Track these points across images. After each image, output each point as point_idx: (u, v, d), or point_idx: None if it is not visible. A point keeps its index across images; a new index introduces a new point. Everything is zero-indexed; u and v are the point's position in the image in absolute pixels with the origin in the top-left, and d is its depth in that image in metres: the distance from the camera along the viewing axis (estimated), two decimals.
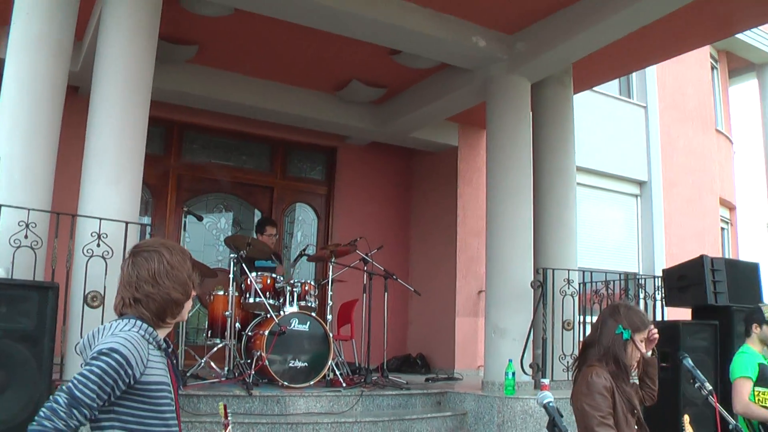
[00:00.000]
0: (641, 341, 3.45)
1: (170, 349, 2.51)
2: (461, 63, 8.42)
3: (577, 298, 7.68)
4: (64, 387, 2.15)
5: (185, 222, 7.82)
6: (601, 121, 12.96)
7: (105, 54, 6.18)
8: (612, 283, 8.04)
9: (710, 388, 3.88)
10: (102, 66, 6.17)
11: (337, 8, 7.11)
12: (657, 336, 3.52)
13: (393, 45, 8.17)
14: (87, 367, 2.19)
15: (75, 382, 2.16)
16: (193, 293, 2.55)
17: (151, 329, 2.40)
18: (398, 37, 7.79)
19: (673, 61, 9.51)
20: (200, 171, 10.49)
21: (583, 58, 7.94)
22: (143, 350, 2.30)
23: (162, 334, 2.47)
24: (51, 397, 2.14)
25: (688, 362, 4.00)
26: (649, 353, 3.57)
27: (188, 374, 6.88)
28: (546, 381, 6.79)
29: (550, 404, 2.91)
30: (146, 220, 10.00)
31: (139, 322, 2.37)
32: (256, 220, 10.49)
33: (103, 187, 5.92)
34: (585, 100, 11.10)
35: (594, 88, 10.37)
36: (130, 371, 2.23)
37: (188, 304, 2.54)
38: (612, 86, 13.03)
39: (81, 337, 5.29)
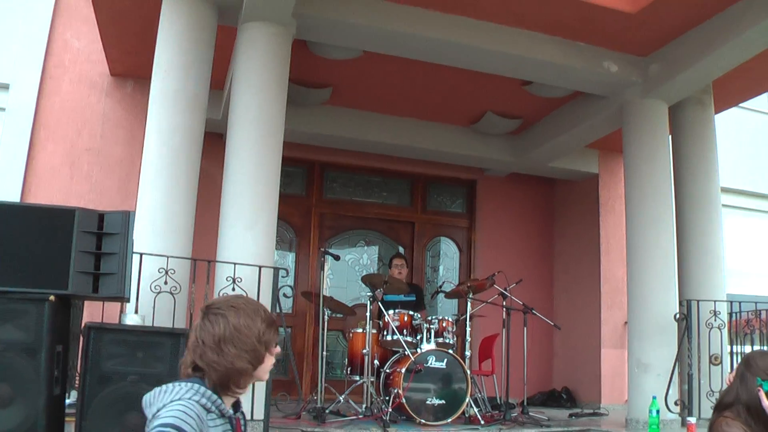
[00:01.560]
0: None
1: (237, 414, 2.35)
2: (594, 90, 8.25)
3: (725, 331, 7.27)
4: None
5: (322, 261, 7.98)
6: (749, 138, 12.31)
7: (238, 103, 6.46)
8: (764, 312, 7.54)
9: None
10: (235, 114, 6.46)
11: (464, 44, 7.19)
12: None
13: (523, 76, 8.12)
14: None
15: None
16: (272, 353, 2.33)
17: (214, 397, 2.21)
18: (528, 68, 7.74)
19: None
20: (341, 208, 10.74)
21: (724, 75, 7.55)
22: (202, 422, 2.13)
23: (229, 401, 2.30)
24: None
25: None
26: None
27: (327, 411, 6.98)
28: (692, 420, 6.44)
29: None
30: (291, 257, 10.33)
31: (202, 389, 2.19)
32: None
33: (239, 232, 6.17)
34: (730, 116, 10.54)
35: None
36: None
37: (267, 365, 2.33)
38: (761, 100, 12.29)
39: None
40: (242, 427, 2.38)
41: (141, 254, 5.37)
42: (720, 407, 3.29)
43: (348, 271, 10.63)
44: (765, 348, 7.15)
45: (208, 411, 2.19)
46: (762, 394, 3.12)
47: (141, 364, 4.44)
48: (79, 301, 4.93)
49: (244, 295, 2.65)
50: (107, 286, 4.27)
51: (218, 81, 7.54)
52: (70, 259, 4.19)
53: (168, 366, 4.45)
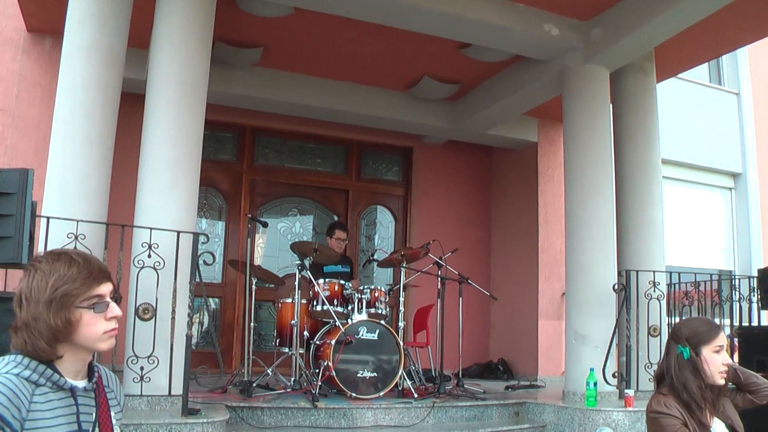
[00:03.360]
0: (714, 351, 2.96)
1: (86, 386, 1.94)
2: (534, 54, 7.98)
3: (664, 302, 7.15)
4: None
5: (250, 228, 7.63)
6: (690, 110, 12.28)
7: (157, 59, 6.02)
8: (703, 283, 7.44)
9: None
10: (155, 71, 6.02)
11: (400, 1, 6.80)
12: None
13: (461, 38, 7.79)
14: None
15: None
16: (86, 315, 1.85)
17: (42, 367, 1.83)
18: (466, 29, 7.40)
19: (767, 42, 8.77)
20: (273, 175, 10.36)
21: (666, 41, 7.35)
22: (21, 397, 1.75)
23: (73, 367, 1.89)
24: None
25: None
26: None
27: (255, 384, 6.67)
28: (630, 392, 6.31)
29: None
30: (221, 226, 9.95)
31: (26, 360, 1.82)
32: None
33: (157, 196, 5.76)
34: (671, 88, 10.47)
35: (681, 76, 9.71)
36: (7, 429, 1.70)
37: (89, 330, 1.86)
38: (701, 73, 12.29)
39: (133, 349, 5.18)
40: (106, 394, 2.00)
41: (48, 218, 4.96)
42: (656, 383, 3.09)
43: (280, 239, 10.28)
44: None
45: (37, 385, 1.81)
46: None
47: None
48: None
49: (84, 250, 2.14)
50: (2, 251, 3.86)
51: (145, 40, 7.07)
52: None
53: None
